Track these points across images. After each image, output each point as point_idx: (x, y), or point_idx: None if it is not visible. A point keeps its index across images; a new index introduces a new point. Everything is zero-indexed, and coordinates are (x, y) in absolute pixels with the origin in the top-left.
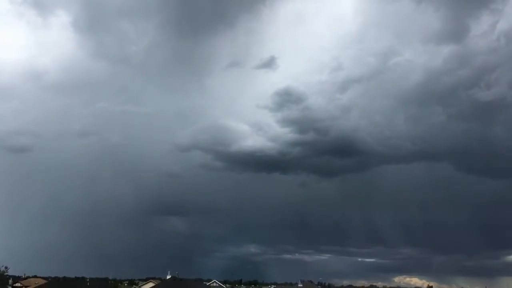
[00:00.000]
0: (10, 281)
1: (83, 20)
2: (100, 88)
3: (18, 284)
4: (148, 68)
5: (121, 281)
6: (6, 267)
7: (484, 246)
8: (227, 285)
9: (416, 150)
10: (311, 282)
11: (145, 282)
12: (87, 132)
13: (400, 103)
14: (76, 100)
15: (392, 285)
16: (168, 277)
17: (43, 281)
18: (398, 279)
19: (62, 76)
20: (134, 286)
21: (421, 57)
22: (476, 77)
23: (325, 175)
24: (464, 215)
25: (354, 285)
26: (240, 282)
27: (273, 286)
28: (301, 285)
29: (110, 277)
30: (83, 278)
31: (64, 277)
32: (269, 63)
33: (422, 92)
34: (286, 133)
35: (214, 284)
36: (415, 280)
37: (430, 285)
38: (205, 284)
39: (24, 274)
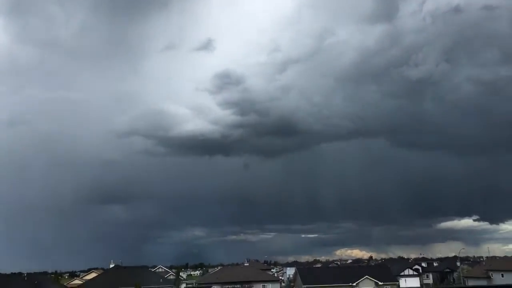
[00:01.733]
0: None
1: (7, 2)
2: (28, 74)
3: None
4: (79, 52)
5: (61, 274)
6: None
7: (418, 216)
8: (173, 270)
9: (353, 128)
10: (257, 261)
11: (87, 273)
12: (16, 121)
13: (337, 83)
14: (2, 87)
15: (334, 258)
16: (112, 266)
17: None
18: (340, 252)
19: None
20: (75, 278)
21: (355, 37)
22: (405, 56)
23: (267, 156)
24: (398, 188)
25: (299, 260)
26: (186, 266)
27: (219, 267)
28: (247, 264)
29: (50, 271)
30: (20, 274)
31: None
32: (206, 45)
33: (357, 71)
34: (227, 115)
35: (160, 269)
36: (356, 252)
37: (371, 255)
38: (150, 271)
39: None
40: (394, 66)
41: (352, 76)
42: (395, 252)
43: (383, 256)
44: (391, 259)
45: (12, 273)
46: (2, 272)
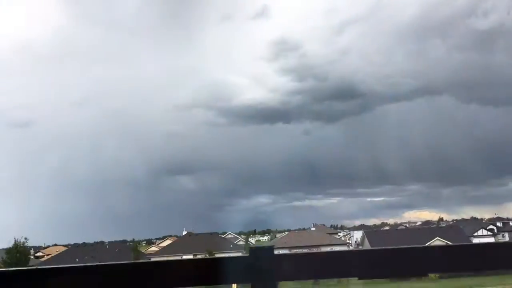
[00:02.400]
0: (32, 251)
1: None
2: (91, 55)
3: (39, 254)
4: (138, 30)
5: (139, 242)
6: (25, 238)
7: (490, 174)
8: (242, 236)
9: (417, 86)
10: (324, 225)
11: (162, 240)
12: (85, 101)
13: (398, 40)
14: (71, 69)
15: (402, 221)
16: (184, 233)
17: (63, 248)
18: (408, 215)
19: (53, 46)
20: (151, 245)
21: None
22: (472, 5)
23: (328, 120)
24: (469, 146)
25: (366, 224)
26: (254, 232)
27: (286, 232)
28: (314, 229)
29: (128, 239)
30: (102, 242)
31: (84, 243)
32: (262, 13)
33: (419, 25)
34: (286, 82)
35: (230, 235)
36: (425, 214)
37: (441, 217)
38: (221, 237)
39: (44, 244)
40: (460, 17)
41: (414, 31)
42: (468, 212)
43: (455, 217)
44: (463, 219)
45: (95, 242)
46: (87, 241)
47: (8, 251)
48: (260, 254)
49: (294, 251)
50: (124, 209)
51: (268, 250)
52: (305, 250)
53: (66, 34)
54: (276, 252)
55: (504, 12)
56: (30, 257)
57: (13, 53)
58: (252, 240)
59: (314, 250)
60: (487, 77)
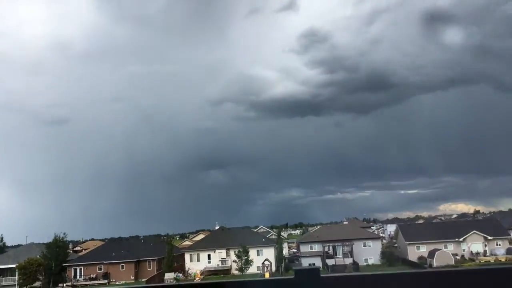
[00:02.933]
0: (70, 245)
1: None
2: (125, 51)
3: (78, 248)
4: (169, 25)
5: (173, 236)
6: (64, 233)
7: None
8: (274, 230)
9: (452, 76)
10: (356, 218)
11: (195, 235)
12: (119, 97)
13: (430, 28)
14: (104, 66)
15: (437, 214)
16: (217, 227)
17: (100, 243)
18: (443, 207)
19: (87, 44)
20: (185, 239)
21: None
22: None
23: (360, 112)
24: (507, 136)
25: (399, 217)
26: (286, 226)
27: (318, 226)
28: (346, 223)
29: (162, 233)
30: (137, 237)
31: (120, 237)
32: (290, 5)
33: (453, 13)
34: (316, 75)
35: (262, 229)
36: (461, 206)
37: (477, 209)
38: (253, 231)
39: (82, 238)
40: (497, 4)
41: (447, 19)
42: (506, 204)
43: (492, 209)
44: (501, 212)
45: (130, 236)
46: (122, 236)
47: (48, 245)
48: (305, 276)
49: (326, 245)
50: (158, 203)
51: (314, 271)
52: (338, 245)
53: (100, 32)
54: (322, 274)
55: None
56: (69, 252)
57: (48, 52)
58: (285, 234)
59: (347, 244)
60: None
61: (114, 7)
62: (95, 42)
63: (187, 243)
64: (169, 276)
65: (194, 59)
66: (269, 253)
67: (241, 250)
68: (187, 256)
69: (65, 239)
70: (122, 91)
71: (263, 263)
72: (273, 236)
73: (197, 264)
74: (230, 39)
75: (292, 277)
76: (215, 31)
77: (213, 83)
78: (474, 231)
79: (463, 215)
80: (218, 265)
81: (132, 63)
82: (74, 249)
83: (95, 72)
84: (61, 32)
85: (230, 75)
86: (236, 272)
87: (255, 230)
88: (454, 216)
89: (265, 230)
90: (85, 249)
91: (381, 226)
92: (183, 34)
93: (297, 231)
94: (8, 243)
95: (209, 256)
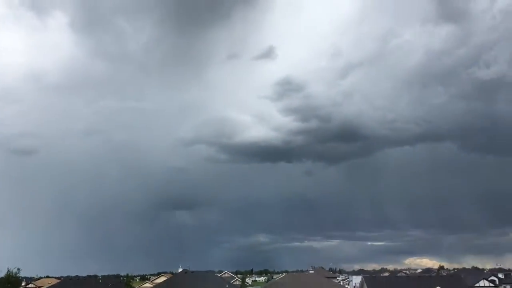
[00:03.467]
0: (23, 282)
1: (81, 20)
2: (101, 86)
3: (31, 285)
4: (147, 64)
5: (133, 277)
6: (18, 269)
7: (493, 224)
8: (239, 276)
9: (419, 132)
10: (322, 268)
11: (157, 277)
12: (91, 131)
13: (402, 85)
14: (78, 99)
15: (402, 267)
16: (180, 270)
17: (55, 281)
18: (408, 261)
19: (64, 76)
20: (146, 281)
21: (420, 38)
22: (475, 56)
23: (330, 162)
24: (470, 194)
25: (365, 268)
26: (251, 272)
27: (284, 274)
28: (312, 272)
29: (122, 274)
30: (95, 276)
31: (77, 276)
32: (268, 53)
33: (423, 73)
34: (289, 122)
35: (226, 274)
36: (425, 261)
37: (442, 265)
38: (217, 276)
39: (37, 275)
40: (463, 67)
41: (417, 78)
42: (469, 262)
43: (456, 266)
44: (464, 269)
45: (88, 275)
46: (80, 274)
47: None
48: None
49: None
50: (120, 242)
51: None
52: None
53: (78, 65)
54: None
55: (505, 64)
56: None
57: (23, 82)
58: (249, 281)
59: None
60: (489, 125)
61: (94, 42)
62: (71, 75)
63: (147, 285)
64: None
65: (170, 99)
66: None
67: None
68: None
69: (18, 274)
70: (94, 125)
71: None
72: (237, 282)
73: None
74: (207, 81)
75: None
76: (193, 73)
77: (187, 123)
78: (438, 286)
79: (428, 270)
80: None
81: (108, 98)
82: (27, 286)
83: (69, 104)
84: (38, 63)
85: (205, 116)
86: None
87: (219, 275)
88: (419, 270)
89: (229, 275)
90: (39, 287)
91: (347, 277)
92: (161, 73)
93: (262, 278)
94: None
95: None
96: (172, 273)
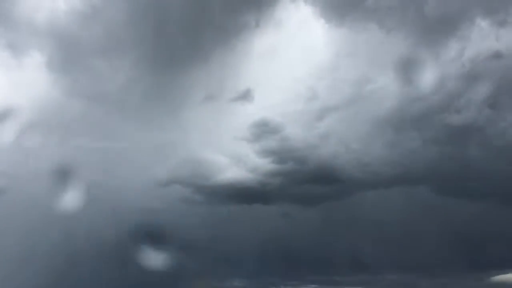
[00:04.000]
0: None
1: (58, 59)
2: (75, 126)
3: None
4: (123, 104)
5: None
6: None
7: (468, 268)
8: None
9: (394, 175)
10: None
11: None
12: (62, 170)
13: (376, 130)
14: (51, 138)
15: None
16: None
17: None
18: None
19: (37, 115)
20: None
21: (394, 83)
22: (446, 102)
23: (307, 204)
24: (445, 238)
25: None
26: None
27: None
28: None
29: None
30: None
31: None
32: (245, 95)
33: (397, 118)
34: (265, 164)
35: None
36: None
37: None
38: None
39: None
40: (435, 113)
41: (391, 122)
42: None
43: None
44: None
45: None
46: None
47: None
48: None
49: None
50: (89, 285)
51: None
52: None
53: (51, 104)
54: None
55: (475, 111)
56: None
57: None
58: None
59: None
60: (462, 170)
61: (70, 82)
62: (45, 114)
63: None
64: None
65: (145, 139)
66: None
67: None
68: None
69: None
70: (66, 165)
71: None
72: None
73: None
74: (184, 122)
75: None
76: (170, 113)
77: (163, 164)
78: None
79: None
80: None
81: (81, 138)
82: None
83: (41, 144)
84: (10, 100)
85: (181, 157)
86: None
87: None
88: None
89: None
90: None
91: None
92: (138, 114)
93: None
94: None
95: None
96: None
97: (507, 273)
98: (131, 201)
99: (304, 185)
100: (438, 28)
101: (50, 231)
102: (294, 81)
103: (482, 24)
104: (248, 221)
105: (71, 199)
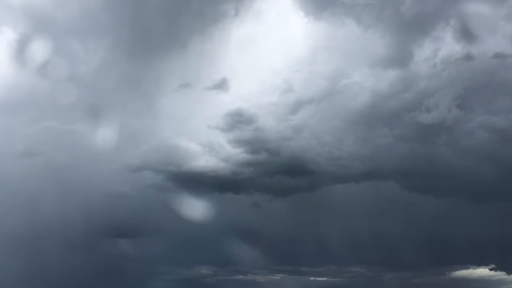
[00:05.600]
0: None
1: (31, 38)
2: (46, 107)
3: None
4: (97, 87)
5: None
6: None
7: (431, 263)
8: None
9: (365, 170)
10: None
11: None
12: (31, 152)
13: (349, 124)
14: (19, 119)
15: None
16: None
17: None
18: None
19: (3, 95)
20: None
21: (368, 80)
22: (418, 101)
23: (277, 195)
24: (410, 233)
25: None
26: None
27: None
28: None
29: None
30: None
31: None
32: (221, 85)
33: (369, 113)
34: (238, 154)
35: None
36: None
37: None
38: None
39: None
40: (407, 110)
41: (364, 118)
42: None
43: None
44: None
45: None
46: None
47: None
48: None
49: None
50: (54, 270)
51: None
52: None
53: (20, 85)
54: None
55: (444, 111)
56: None
57: None
58: None
59: None
60: (430, 168)
61: (43, 61)
62: (12, 94)
63: None
64: None
65: (119, 123)
66: None
67: None
68: None
69: None
70: (34, 146)
71: None
72: None
73: None
74: (158, 109)
75: None
76: (143, 99)
77: (134, 149)
78: None
79: None
80: None
81: (51, 119)
82: None
83: (8, 125)
84: None
85: (153, 143)
86: None
87: None
88: None
89: None
90: None
91: None
92: (111, 97)
93: None
94: None
95: None
96: None
97: (468, 268)
98: (100, 186)
99: (276, 176)
100: (413, 27)
101: (15, 214)
102: (270, 72)
103: (457, 25)
104: (219, 210)
105: (37, 181)
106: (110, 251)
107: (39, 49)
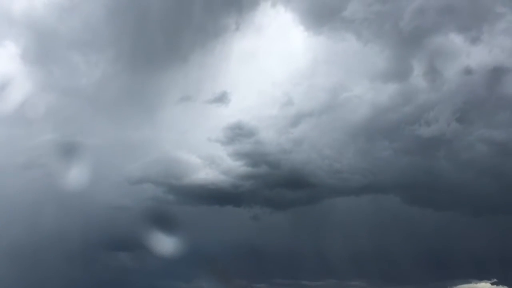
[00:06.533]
0: None
1: (33, 52)
2: (47, 120)
3: None
4: (98, 101)
5: None
6: None
7: (432, 277)
8: None
9: (365, 183)
10: None
11: None
12: (31, 165)
13: (349, 137)
14: (20, 132)
15: None
16: None
17: None
18: None
19: (8, 109)
20: None
21: (368, 93)
22: (417, 114)
23: (278, 208)
24: (411, 247)
25: None
26: None
27: None
28: None
29: None
30: None
31: None
32: (221, 98)
33: (369, 127)
34: (238, 166)
35: None
36: None
37: None
38: None
39: None
40: (406, 124)
41: (364, 131)
42: None
43: None
44: None
45: None
46: None
47: None
48: None
49: None
50: (54, 285)
51: None
52: None
53: (26, 98)
54: None
55: (444, 124)
56: None
57: None
58: None
59: None
60: (430, 181)
61: (43, 75)
62: (18, 108)
63: None
64: None
65: (119, 135)
66: None
67: None
68: None
69: None
70: (35, 159)
71: None
72: None
73: None
74: (159, 121)
75: None
76: (144, 112)
77: (135, 161)
78: None
79: None
80: None
81: (51, 132)
82: None
83: (9, 137)
84: None
85: (154, 156)
86: None
87: None
88: None
89: None
90: None
91: None
92: (112, 111)
93: None
94: None
95: None
96: None
97: (470, 282)
98: (100, 198)
99: (276, 189)
100: (412, 42)
101: (15, 227)
102: (270, 85)
103: (455, 40)
104: (219, 223)
105: (37, 194)
106: (110, 264)
107: (41, 62)
